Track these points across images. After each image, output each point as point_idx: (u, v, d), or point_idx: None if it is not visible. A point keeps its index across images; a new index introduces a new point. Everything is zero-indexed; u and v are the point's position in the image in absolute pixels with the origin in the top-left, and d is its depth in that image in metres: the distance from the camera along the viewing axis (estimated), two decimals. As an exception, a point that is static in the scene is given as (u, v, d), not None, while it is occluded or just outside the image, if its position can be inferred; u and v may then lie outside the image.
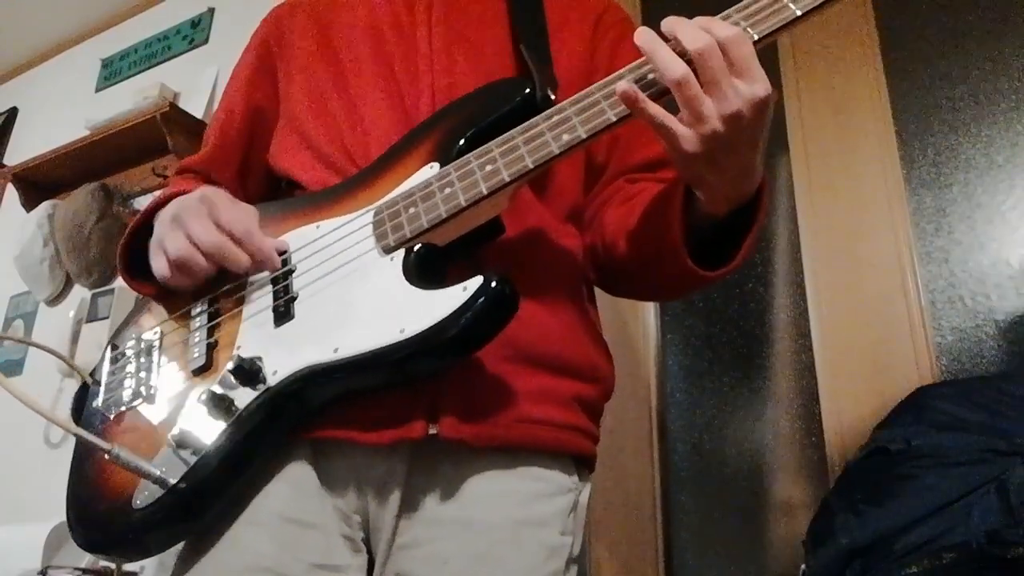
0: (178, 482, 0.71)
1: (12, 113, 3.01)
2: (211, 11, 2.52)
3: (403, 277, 0.74)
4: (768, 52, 0.71)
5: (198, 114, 2.24)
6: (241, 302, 0.83)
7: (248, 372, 0.74)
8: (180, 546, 0.78)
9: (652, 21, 0.70)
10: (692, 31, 0.67)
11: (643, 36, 0.69)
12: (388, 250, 0.77)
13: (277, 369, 0.75)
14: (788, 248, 1.56)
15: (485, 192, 0.74)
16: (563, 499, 0.82)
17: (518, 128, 0.76)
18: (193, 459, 0.72)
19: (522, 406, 0.79)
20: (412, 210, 0.77)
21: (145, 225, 0.88)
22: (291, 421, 0.76)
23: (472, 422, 0.77)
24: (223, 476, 0.73)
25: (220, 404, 0.74)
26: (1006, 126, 1.43)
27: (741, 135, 0.68)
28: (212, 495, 0.73)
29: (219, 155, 0.99)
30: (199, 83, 2.37)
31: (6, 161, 2.82)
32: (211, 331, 0.83)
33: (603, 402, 0.90)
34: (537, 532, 0.78)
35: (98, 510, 0.77)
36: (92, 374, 0.90)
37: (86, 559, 1.67)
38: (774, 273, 1.57)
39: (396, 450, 0.78)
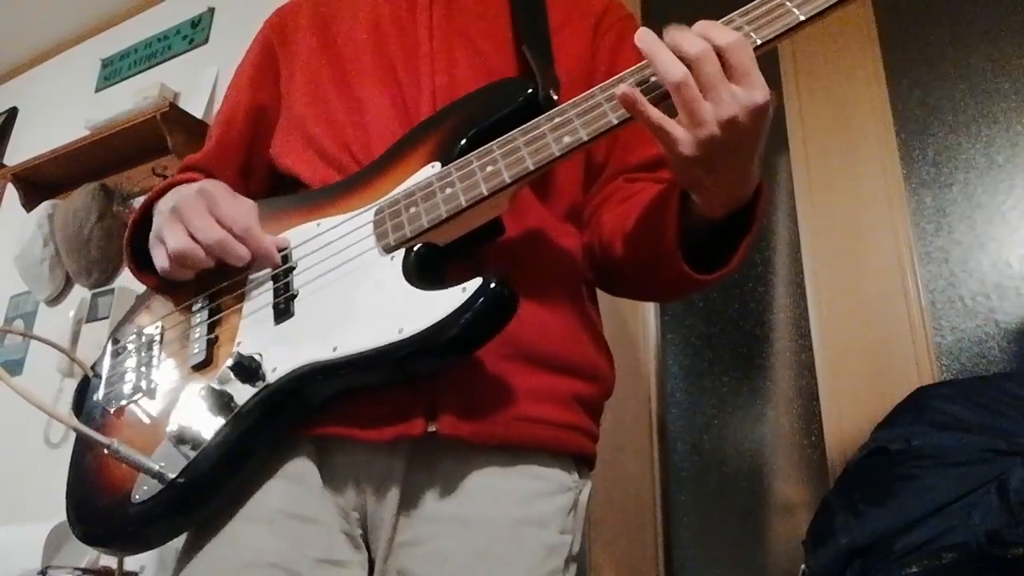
0: (177, 477, 0.71)
1: (12, 113, 3.02)
2: (211, 11, 2.52)
3: (403, 277, 0.75)
4: (768, 52, 0.70)
5: (198, 114, 2.24)
6: (242, 299, 0.83)
7: (247, 369, 0.74)
8: (182, 543, 0.78)
9: (653, 19, 0.70)
10: (690, 38, 0.67)
11: (644, 38, 0.69)
12: (388, 249, 0.77)
13: (276, 366, 0.75)
14: (788, 248, 1.56)
15: (486, 193, 0.75)
16: (563, 497, 0.82)
17: (519, 129, 0.76)
18: (192, 454, 0.72)
19: (522, 405, 0.79)
20: (413, 210, 0.77)
21: (146, 216, 0.88)
22: (290, 418, 0.76)
23: (471, 420, 0.77)
24: (221, 471, 0.73)
25: (219, 400, 0.74)
26: (1006, 126, 1.43)
27: (739, 141, 0.68)
28: (211, 490, 0.74)
29: (221, 153, 0.99)
30: (199, 83, 2.37)
31: (6, 161, 2.83)
32: (211, 327, 0.83)
33: (603, 401, 0.90)
34: (537, 530, 0.78)
35: (97, 504, 0.77)
36: (93, 368, 0.90)
37: (86, 559, 1.67)
38: (774, 273, 1.57)
39: (395, 447, 0.78)
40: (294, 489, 0.77)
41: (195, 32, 2.52)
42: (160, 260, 0.82)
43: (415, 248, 0.76)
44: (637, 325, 1.65)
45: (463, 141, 0.80)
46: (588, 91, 0.75)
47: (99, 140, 2.27)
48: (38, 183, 2.53)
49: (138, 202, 2.29)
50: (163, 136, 2.14)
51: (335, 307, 0.77)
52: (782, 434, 1.48)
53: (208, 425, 0.73)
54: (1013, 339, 1.32)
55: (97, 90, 2.73)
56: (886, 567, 0.98)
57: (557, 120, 0.74)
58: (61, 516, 0.80)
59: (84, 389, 0.89)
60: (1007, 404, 1.08)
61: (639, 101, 0.68)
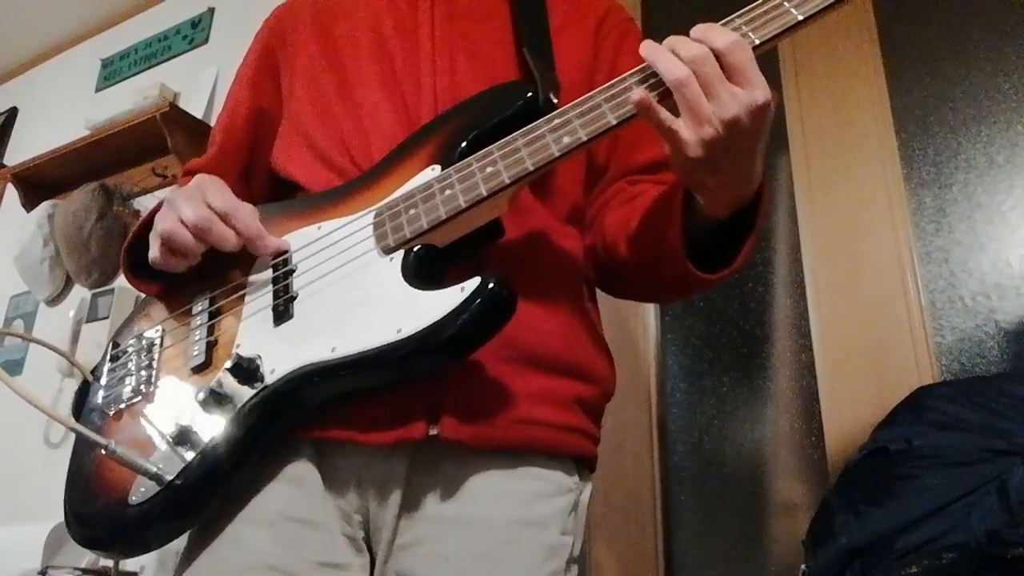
0: (174, 479, 0.71)
1: (12, 113, 3.02)
2: (211, 11, 2.52)
3: (402, 277, 0.75)
4: (768, 52, 0.71)
5: (198, 114, 2.24)
6: (242, 301, 0.83)
7: (246, 370, 0.75)
8: (182, 546, 0.78)
9: (652, 21, 0.70)
10: (687, 42, 0.68)
11: (646, 48, 0.70)
12: (388, 250, 0.77)
13: (275, 368, 0.75)
14: (788, 248, 1.56)
15: (485, 194, 0.75)
16: (564, 499, 0.82)
17: (520, 131, 0.76)
18: (190, 456, 0.72)
19: (522, 407, 0.79)
20: (412, 211, 0.77)
21: (148, 226, 0.89)
22: (289, 420, 0.76)
23: (472, 423, 0.77)
24: (220, 473, 0.73)
25: (218, 402, 0.74)
26: (1006, 126, 1.43)
27: (741, 140, 0.68)
28: (209, 492, 0.74)
29: (223, 157, 1.00)
30: (199, 83, 2.37)
31: (6, 161, 2.83)
32: (211, 329, 0.83)
33: (603, 403, 0.90)
34: (537, 532, 0.78)
35: (95, 506, 0.77)
36: (93, 372, 0.90)
37: (86, 559, 1.67)
38: (774, 273, 1.57)
39: (396, 450, 0.78)
40: (295, 492, 0.77)
41: (195, 32, 2.52)
42: (152, 251, 0.83)
43: (414, 249, 0.76)
44: (637, 325, 1.65)
45: (464, 144, 0.80)
46: (588, 94, 0.75)
47: (99, 140, 2.27)
48: (38, 183, 2.53)
49: (138, 202, 2.29)
50: (163, 136, 2.14)
51: (334, 308, 0.77)
52: (782, 434, 1.48)
53: (207, 427, 0.73)
54: (1013, 339, 1.32)
55: (97, 90, 2.74)
56: (886, 567, 0.98)
57: (557, 121, 0.75)
58: (61, 516, 0.80)
59: (84, 392, 0.89)
60: (1007, 404, 1.07)
61: (653, 105, 0.69)
